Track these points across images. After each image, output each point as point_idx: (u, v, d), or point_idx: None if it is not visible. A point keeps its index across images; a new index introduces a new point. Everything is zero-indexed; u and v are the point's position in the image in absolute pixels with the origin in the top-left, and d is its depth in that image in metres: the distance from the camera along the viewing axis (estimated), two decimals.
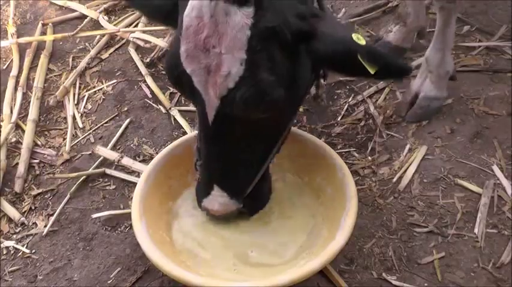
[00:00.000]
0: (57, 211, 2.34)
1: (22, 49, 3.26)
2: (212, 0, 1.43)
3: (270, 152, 1.84)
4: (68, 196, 2.39)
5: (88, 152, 2.61)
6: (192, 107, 2.66)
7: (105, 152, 2.55)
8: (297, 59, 1.60)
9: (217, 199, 1.84)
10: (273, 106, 1.55)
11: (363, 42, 1.52)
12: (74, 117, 2.82)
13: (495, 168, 2.26)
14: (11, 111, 2.86)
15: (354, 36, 1.52)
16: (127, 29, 3.29)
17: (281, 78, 1.55)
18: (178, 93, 2.78)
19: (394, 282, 1.94)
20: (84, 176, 2.46)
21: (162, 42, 3.05)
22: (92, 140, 2.68)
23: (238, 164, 1.78)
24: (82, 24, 3.29)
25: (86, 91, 2.97)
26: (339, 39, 1.54)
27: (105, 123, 2.77)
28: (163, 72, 2.94)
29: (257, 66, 1.49)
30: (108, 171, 2.47)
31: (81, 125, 2.78)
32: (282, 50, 1.52)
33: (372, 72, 1.49)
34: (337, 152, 2.11)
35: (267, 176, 1.98)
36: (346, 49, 1.51)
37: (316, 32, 1.54)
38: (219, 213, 1.88)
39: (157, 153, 2.38)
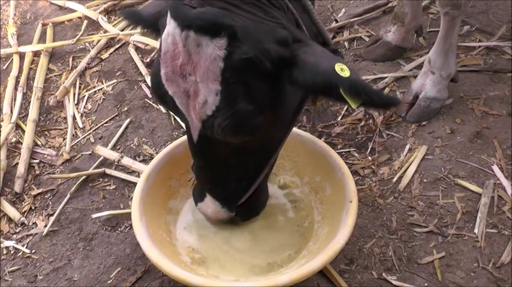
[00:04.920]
0: (57, 211, 2.34)
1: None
2: (183, 31, 1.38)
3: (263, 167, 1.80)
4: (68, 196, 2.39)
5: (88, 152, 2.61)
6: None
7: (105, 152, 2.55)
8: (282, 84, 1.53)
9: (210, 206, 1.86)
10: (252, 132, 1.52)
11: (346, 73, 1.41)
12: (74, 117, 2.82)
13: (495, 168, 2.26)
14: (11, 111, 2.87)
15: (338, 67, 1.41)
16: (126, 32, 3.29)
17: (262, 106, 1.50)
18: None
19: (394, 282, 1.94)
20: (84, 176, 2.46)
21: None
22: (92, 140, 2.68)
23: (228, 177, 1.76)
24: (81, 32, 3.29)
25: (86, 91, 2.98)
26: (320, 69, 1.42)
27: (105, 123, 2.77)
28: None
29: (234, 97, 1.44)
30: (108, 171, 2.47)
31: (81, 125, 2.78)
32: (262, 78, 1.46)
33: (354, 106, 1.41)
34: (337, 152, 2.11)
35: (263, 186, 1.96)
36: (327, 81, 1.40)
37: (297, 59, 1.45)
38: (211, 218, 1.93)
39: (157, 153, 2.39)
